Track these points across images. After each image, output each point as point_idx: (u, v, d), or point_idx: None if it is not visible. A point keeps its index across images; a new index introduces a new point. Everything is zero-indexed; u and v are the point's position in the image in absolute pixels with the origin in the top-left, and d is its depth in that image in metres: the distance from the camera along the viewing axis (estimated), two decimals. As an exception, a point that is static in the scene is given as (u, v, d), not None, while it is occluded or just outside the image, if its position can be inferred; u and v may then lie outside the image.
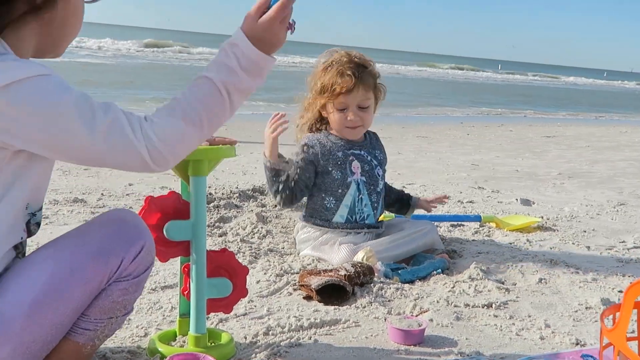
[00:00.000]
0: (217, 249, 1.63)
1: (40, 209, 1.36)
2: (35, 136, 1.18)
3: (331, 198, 2.63)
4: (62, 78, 1.21)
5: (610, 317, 1.48)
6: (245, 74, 1.31)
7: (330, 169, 2.63)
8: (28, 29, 1.27)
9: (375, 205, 2.67)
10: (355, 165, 2.65)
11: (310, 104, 2.70)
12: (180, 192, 1.72)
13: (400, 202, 2.93)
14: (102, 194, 3.54)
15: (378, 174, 2.69)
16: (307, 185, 2.63)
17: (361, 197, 2.64)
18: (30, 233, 1.34)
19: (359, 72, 2.58)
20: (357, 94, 2.59)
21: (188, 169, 1.61)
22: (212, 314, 1.86)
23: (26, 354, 1.30)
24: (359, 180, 2.64)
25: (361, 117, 2.63)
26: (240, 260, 1.85)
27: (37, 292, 1.27)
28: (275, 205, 3.27)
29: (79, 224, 1.42)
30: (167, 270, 2.31)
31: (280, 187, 2.57)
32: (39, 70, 1.18)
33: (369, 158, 2.69)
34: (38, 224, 1.36)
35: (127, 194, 3.61)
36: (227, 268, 1.69)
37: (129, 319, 1.85)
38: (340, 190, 2.62)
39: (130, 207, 3.28)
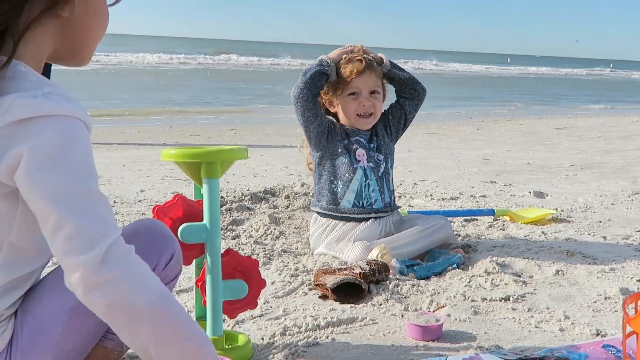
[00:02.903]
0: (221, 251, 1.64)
1: None
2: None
3: (339, 182, 2.65)
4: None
5: (632, 305, 1.45)
6: None
7: (339, 150, 2.65)
8: (46, 32, 1.17)
9: (381, 189, 2.67)
10: (360, 152, 2.66)
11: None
12: (191, 196, 1.72)
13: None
14: (114, 201, 3.55)
15: (378, 159, 2.69)
16: (322, 119, 2.62)
17: (368, 183, 2.65)
18: None
19: (367, 59, 2.63)
20: (369, 78, 2.62)
21: (201, 172, 1.60)
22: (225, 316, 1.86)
23: None
24: (365, 167, 2.65)
25: (373, 104, 2.64)
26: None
27: (76, 299, 1.26)
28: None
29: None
30: (182, 274, 2.29)
31: (313, 84, 2.55)
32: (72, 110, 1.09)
33: (369, 145, 2.70)
34: None
35: (139, 200, 3.62)
36: (237, 267, 1.69)
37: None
38: (347, 175, 2.64)
39: (142, 214, 3.29)
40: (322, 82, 2.59)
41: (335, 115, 2.74)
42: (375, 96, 2.66)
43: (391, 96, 2.81)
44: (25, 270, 1.24)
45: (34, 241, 1.22)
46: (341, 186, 2.65)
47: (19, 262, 1.22)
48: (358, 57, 2.63)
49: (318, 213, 2.69)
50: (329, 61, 2.61)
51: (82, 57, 1.26)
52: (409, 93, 2.74)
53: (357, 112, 2.65)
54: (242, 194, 3.51)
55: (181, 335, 1.14)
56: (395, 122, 2.76)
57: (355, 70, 2.60)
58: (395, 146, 2.82)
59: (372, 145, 2.70)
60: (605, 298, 2.15)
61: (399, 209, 2.78)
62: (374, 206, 2.65)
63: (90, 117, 1.15)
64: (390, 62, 2.72)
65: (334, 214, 2.64)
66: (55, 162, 1.07)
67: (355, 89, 2.63)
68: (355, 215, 2.63)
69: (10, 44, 1.11)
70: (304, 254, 2.63)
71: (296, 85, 2.58)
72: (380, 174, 2.68)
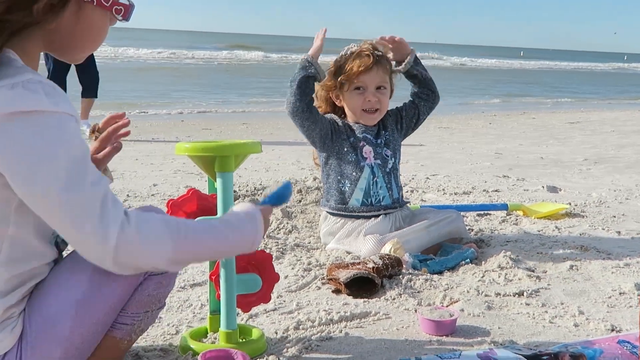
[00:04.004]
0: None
1: None
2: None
3: (346, 181, 2.64)
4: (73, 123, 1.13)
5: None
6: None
7: (345, 149, 2.64)
8: (33, 40, 1.19)
9: (389, 185, 2.67)
10: (367, 150, 2.66)
11: (324, 91, 2.70)
12: (205, 190, 1.72)
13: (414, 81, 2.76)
14: (127, 195, 3.57)
15: (386, 154, 2.69)
16: (322, 123, 2.61)
17: (376, 180, 2.64)
18: (60, 251, 1.35)
19: (376, 55, 2.62)
20: (376, 74, 2.62)
21: (215, 165, 1.60)
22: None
23: (76, 356, 1.32)
24: (372, 164, 2.65)
25: (379, 99, 2.63)
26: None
27: (82, 292, 1.27)
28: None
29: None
30: (196, 269, 2.32)
31: (303, 93, 2.54)
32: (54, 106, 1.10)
33: (377, 141, 2.69)
34: (66, 242, 1.34)
35: (152, 195, 3.63)
36: (250, 261, 1.69)
37: (160, 318, 1.86)
38: (354, 174, 2.63)
39: (155, 207, 3.30)
40: (312, 85, 2.57)
41: (342, 109, 2.73)
42: (382, 91, 2.65)
43: (399, 93, 2.79)
44: (27, 266, 1.25)
45: (35, 235, 1.23)
46: (349, 185, 2.64)
47: (21, 258, 1.23)
48: (366, 53, 2.61)
49: (327, 212, 2.69)
50: (310, 60, 2.55)
51: (70, 58, 1.29)
52: (426, 94, 2.74)
53: (363, 108, 2.64)
54: (255, 188, 3.52)
55: (215, 248, 1.25)
56: (407, 120, 2.76)
57: (362, 66, 2.58)
58: (402, 141, 2.81)
59: (379, 141, 2.69)
60: (620, 293, 2.13)
61: (408, 204, 2.78)
62: (382, 203, 2.64)
63: (73, 107, 1.14)
64: (416, 58, 2.70)
65: (342, 213, 2.64)
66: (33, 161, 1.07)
67: (361, 84, 2.62)
68: (364, 213, 2.62)
69: None
70: (317, 248, 2.63)
71: (287, 100, 2.56)
72: (387, 170, 2.67)
